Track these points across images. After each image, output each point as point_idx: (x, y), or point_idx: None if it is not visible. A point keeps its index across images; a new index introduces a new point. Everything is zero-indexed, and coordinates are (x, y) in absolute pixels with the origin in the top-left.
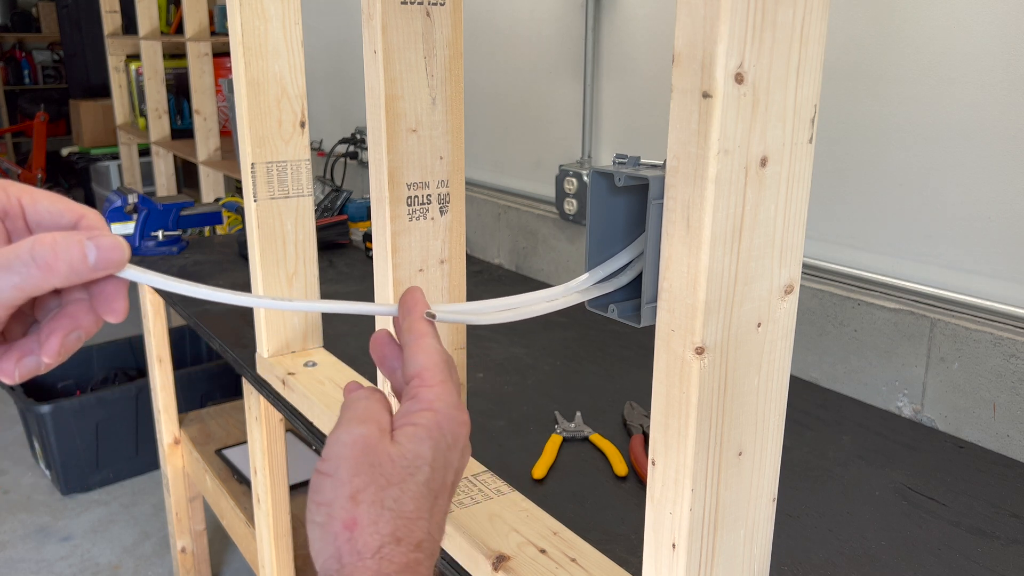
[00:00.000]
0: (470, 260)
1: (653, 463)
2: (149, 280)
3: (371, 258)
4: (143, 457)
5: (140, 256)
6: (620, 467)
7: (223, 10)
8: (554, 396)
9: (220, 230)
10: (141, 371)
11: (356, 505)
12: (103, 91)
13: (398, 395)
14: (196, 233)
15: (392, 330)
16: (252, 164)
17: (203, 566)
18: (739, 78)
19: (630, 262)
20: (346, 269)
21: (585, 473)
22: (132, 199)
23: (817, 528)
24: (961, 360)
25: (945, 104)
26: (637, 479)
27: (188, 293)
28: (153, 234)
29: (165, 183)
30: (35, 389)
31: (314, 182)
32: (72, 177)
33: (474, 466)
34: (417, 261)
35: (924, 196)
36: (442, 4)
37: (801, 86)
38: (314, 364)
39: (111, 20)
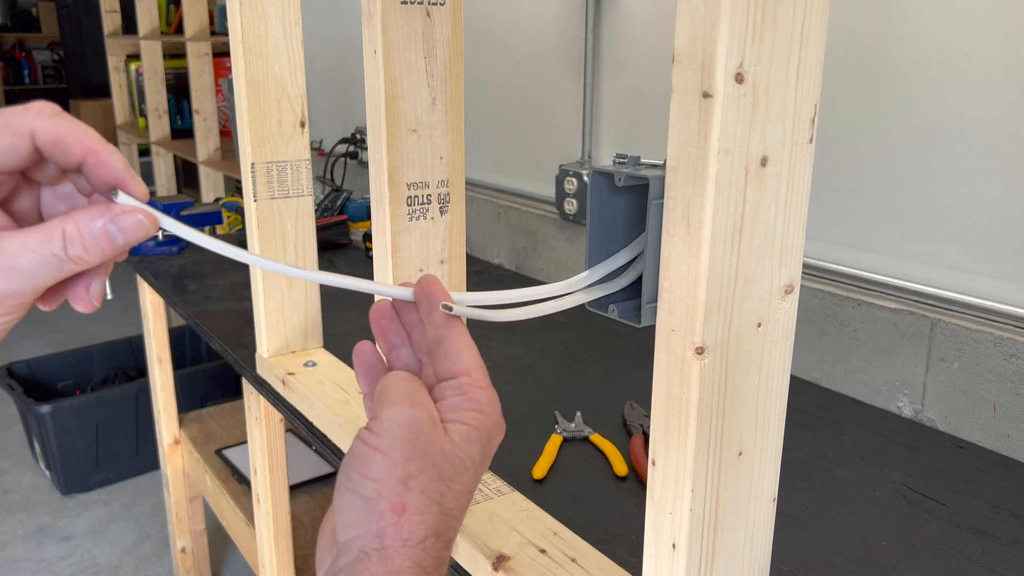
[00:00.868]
0: (470, 260)
1: (653, 463)
2: (182, 232)
3: (371, 258)
4: (143, 457)
5: (140, 256)
6: (620, 467)
7: (223, 10)
8: (554, 396)
9: (220, 230)
10: (141, 371)
11: (407, 491)
12: (103, 91)
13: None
14: None
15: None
16: (252, 164)
17: (203, 566)
18: (739, 78)
19: (630, 262)
20: (346, 269)
21: (585, 473)
22: None
23: (817, 528)
24: (961, 360)
25: (945, 104)
26: (637, 479)
27: (219, 251)
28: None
29: (165, 183)
30: (35, 389)
31: (314, 182)
32: None
33: None
34: (417, 261)
35: (924, 196)
36: (442, 4)
37: (801, 86)
38: (314, 364)
39: (111, 20)
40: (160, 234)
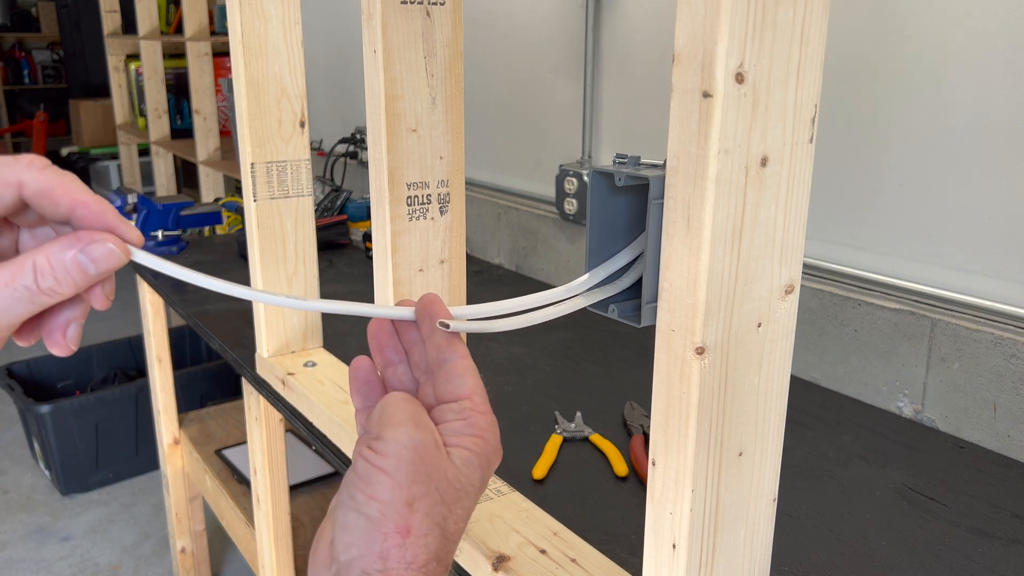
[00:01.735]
0: (470, 260)
1: (653, 463)
2: (156, 265)
3: (371, 258)
4: (143, 457)
5: None
6: (620, 467)
7: (223, 10)
8: (554, 396)
9: (220, 230)
10: (141, 371)
11: (412, 513)
12: (103, 91)
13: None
14: (196, 233)
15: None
16: (252, 164)
17: (203, 566)
18: (739, 78)
19: (631, 263)
20: (346, 269)
21: (585, 473)
22: (132, 199)
23: (817, 528)
24: (961, 360)
25: (946, 103)
26: (637, 479)
27: (201, 284)
28: (153, 234)
29: (165, 183)
30: (35, 389)
31: (314, 182)
32: None
33: None
34: (417, 261)
35: (924, 196)
36: (442, 4)
37: (801, 86)
38: (314, 364)
39: (111, 20)
40: (160, 234)
